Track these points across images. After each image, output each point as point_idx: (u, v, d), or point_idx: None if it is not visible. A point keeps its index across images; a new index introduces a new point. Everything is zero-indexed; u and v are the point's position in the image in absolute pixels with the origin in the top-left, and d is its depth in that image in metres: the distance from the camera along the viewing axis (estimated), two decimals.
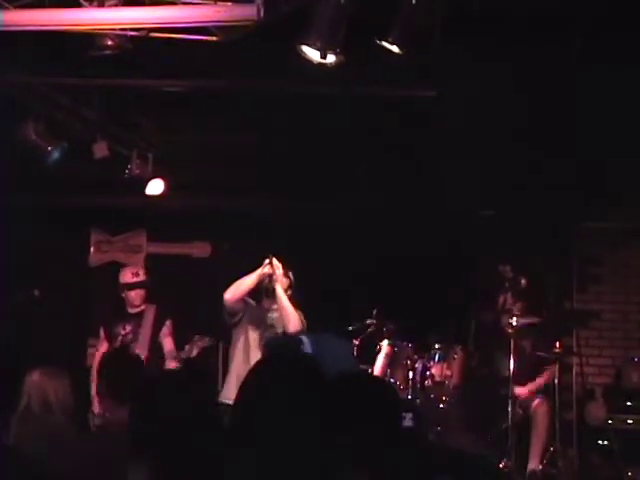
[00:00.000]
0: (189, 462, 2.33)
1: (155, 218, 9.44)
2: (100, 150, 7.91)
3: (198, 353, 7.20)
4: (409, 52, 5.42)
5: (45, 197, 8.95)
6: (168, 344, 7.31)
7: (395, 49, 5.44)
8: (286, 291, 6.54)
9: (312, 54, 5.08)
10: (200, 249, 9.85)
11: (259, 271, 6.48)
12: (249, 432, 2.07)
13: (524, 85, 6.22)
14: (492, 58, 5.86)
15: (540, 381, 7.57)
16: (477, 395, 7.49)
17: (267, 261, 6.50)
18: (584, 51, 5.75)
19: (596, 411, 8.07)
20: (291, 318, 6.40)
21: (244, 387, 2.11)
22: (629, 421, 7.93)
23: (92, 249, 9.98)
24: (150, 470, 2.36)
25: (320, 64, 5.10)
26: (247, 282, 6.51)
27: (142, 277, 7.61)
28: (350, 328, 7.71)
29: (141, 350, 7.29)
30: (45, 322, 8.45)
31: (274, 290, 6.48)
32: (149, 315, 7.47)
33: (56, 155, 7.65)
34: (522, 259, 7.78)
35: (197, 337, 7.26)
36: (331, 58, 5.10)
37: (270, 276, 6.49)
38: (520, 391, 7.40)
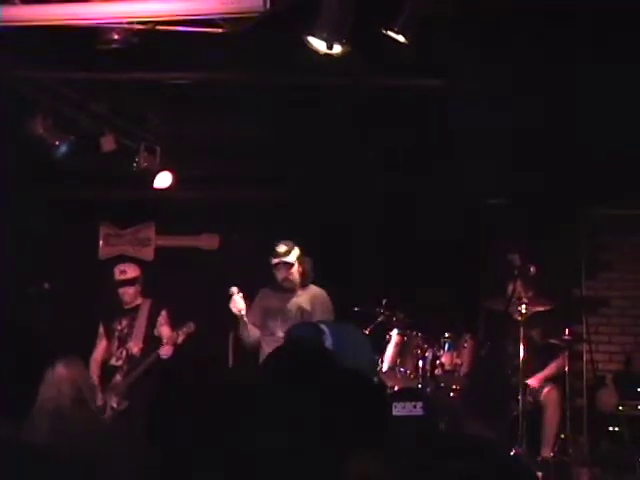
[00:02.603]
0: (203, 448, 2.36)
1: (163, 211, 9.46)
2: (107, 144, 7.94)
3: (184, 340, 7.29)
4: (417, 41, 5.42)
5: (54, 191, 8.99)
6: (165, 331, 7.37)
7: (401, 38, 5.43)
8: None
9: (318, 45, 5.08)
10: (208, 241, 9.86)
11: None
12: (261, 416, 2.09)
13: (538, 71, 6.20)
14: (503, 45, 5.85)
15: (551, 369, 7.57)
16: (486, 383, 7.49)
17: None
18: (598, 38, 5.73)
19: (607, 398, 8.05)
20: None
21: (261, 370, 2.15)
22: None
23: (101, 242, 10.02)
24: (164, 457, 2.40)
25: (327, 55, 5.10)
26: (243, 334, 6.94)
27: (130, 274, 7.67)
28: (356, 309, 7.70)
29: (135, 343, 7.42)
30: (55, 315, 8.48)
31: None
32: (144, 309, 7.60)
33: (64, 149, 7.68)
34: (530, 247, 7.77)
35: (183, 324, 7.34)
36: (337, 49, 5.09)
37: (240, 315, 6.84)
38: (531, 382, 7.40)
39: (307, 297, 6.80)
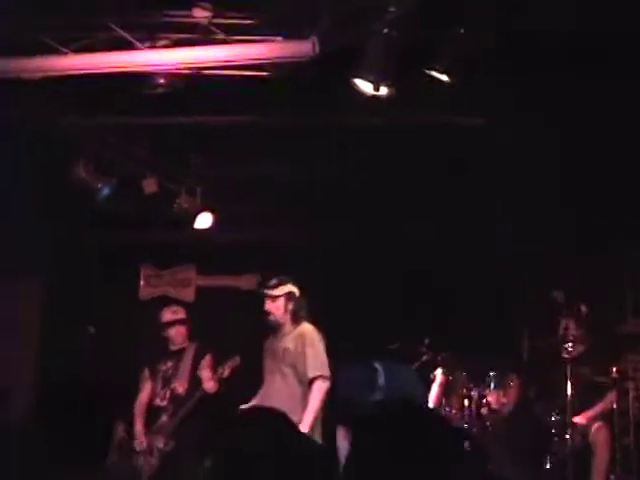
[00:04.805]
0: None
1: (204, 251, 9.51)
2: (150, 186, 8.04)
3: (230, 373, 7.23)
4: (458, 81, 5.44)
5: (96, 234, 9.07)
6: (206, 373, 7.34)
7: (444, 78, 5.46)
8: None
9: (365, 87, 5.10)
10: (248, 281, 9.87)
11: None
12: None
13: (576, 115, 6.22)
14: (541, 87, 5.87)
15: (599, 408, 7.42)
16: (530, 427, 7.39)
17: None
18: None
19: None
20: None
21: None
22: None
23: (142, 283, 10.07)
24: None
25: (373, 96, 5.12)
26: None
27: (181, 315, 7.68)
28: (396, 346, 7.62)
29: (181, 383, 7.40)
30: (101, 357, 8.53)
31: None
32: (189, 353, 7.57)
33: (106, 192, 7.77)
34: (576, 284, 7.70)
35: (229, 358, 7.32)
36: (383, 90, 5.12)
37: None
38: (579, 420, 7.27)
39: (293, 336, 6.59)
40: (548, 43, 5.45)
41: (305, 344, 6.53)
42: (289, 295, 6.62)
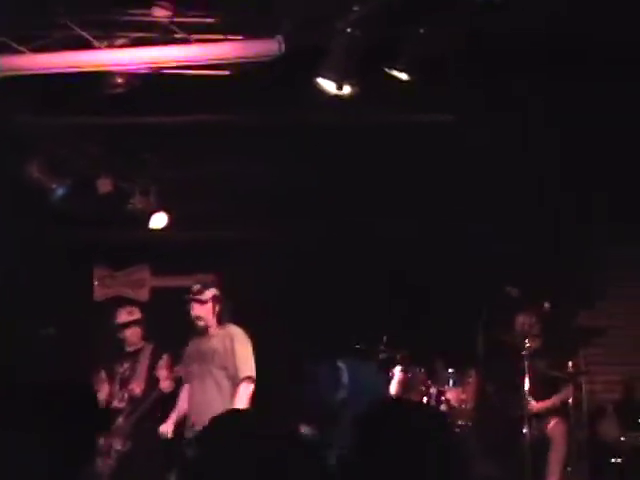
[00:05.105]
0: None
1: (158, 251, 9.41)
2: (104, 186, 7.95)
3: None
4: (420, 79, 5.47)
5: (49, 232, 8.93)
6: (163, 373, 7.28)
7: (404, 76, 5.48)
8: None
9: (328, 86, 5.10)
10: (202, 281, 9.76)
11: None
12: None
13: (546, 116, 6.30)
14: (514, 88, 5.93)
15: (554, 400, 7.52)
16: (493, 420, 7.46)
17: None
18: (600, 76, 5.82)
19: (608, 428, 8.05)
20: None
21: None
22: None
23: (96, 283, 9.95)
24: None
25: (336, 95, 5.12)
26: None
27: (137, 315, 7.66)
28: (357, 346, 7.67)
29: (138, 384, 7.37)
30: (58, 359, 8.40)
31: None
32: (146, 353, 7.54)
33: (60, 192, 7.67)
34: (529, 279, 7.78)
35: None
36: (347, 89, 5.12)
37: None
38: (534, 405, 7.34)
39: (221, 337, 6.70)
40: (519, 44, 5.51)
41: (234, 345, 6.65)
42: (215, 298, 6.76)
